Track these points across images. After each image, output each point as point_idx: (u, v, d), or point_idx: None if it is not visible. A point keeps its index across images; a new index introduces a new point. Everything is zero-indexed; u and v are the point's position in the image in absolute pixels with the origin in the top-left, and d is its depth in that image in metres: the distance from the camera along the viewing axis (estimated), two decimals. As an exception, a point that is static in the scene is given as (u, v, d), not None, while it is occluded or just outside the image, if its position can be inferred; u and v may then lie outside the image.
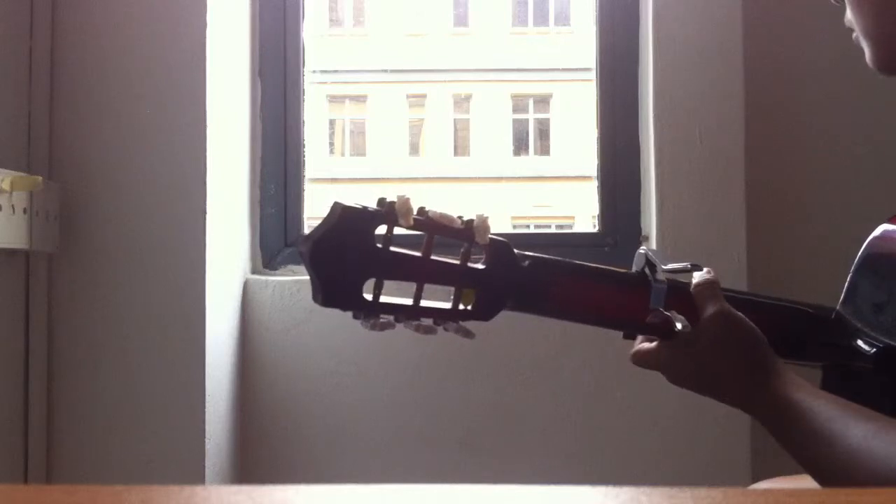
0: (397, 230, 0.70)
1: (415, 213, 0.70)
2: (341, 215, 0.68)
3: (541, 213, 5.09)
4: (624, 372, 1.50)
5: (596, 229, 1.67)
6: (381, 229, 0.69)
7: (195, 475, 1.41)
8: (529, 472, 1.53)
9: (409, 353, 1.54)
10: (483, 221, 0.73)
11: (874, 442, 0.68)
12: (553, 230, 3.99)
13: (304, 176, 1.67)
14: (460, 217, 0.73)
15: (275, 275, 1.61)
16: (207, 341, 1.41)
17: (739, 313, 0.81)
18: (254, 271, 1.62)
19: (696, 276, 0.84)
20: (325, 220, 0.69)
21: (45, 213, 1.36)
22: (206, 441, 1.41)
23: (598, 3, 1.66)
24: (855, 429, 0.70)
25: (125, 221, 1.43)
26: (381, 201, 0.70)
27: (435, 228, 0.71)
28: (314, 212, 1.66)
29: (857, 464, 0.68)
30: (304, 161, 1.67)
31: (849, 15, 0.87)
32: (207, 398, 1.41)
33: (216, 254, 1.45)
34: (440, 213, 0.71)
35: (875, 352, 0.81)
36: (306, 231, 1.65)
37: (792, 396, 0.76)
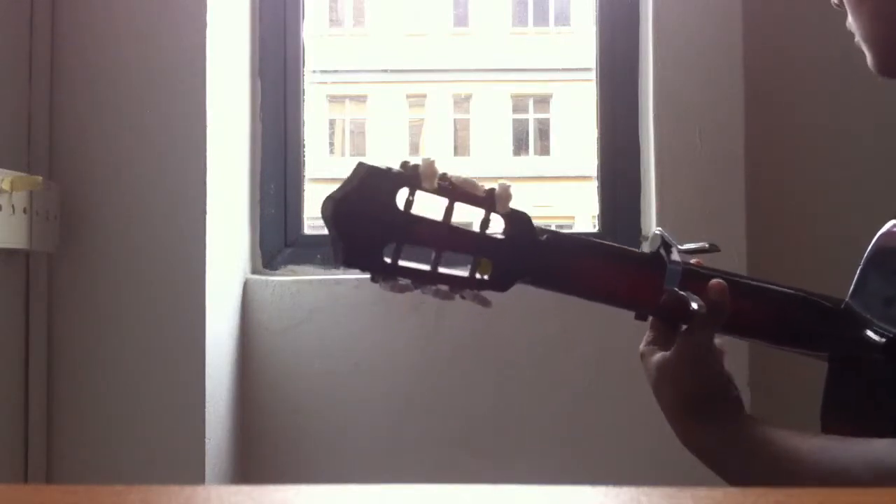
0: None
1: (438, 177, 0.70)
2: (365, 176, 0.68)
3: (541, 213, 5.09)
4: (624, 371, 1.50)
5: (596, 229, 1.67)
6: (404, 192, 0.69)
7: (195, 475, 1.41)
8: (529, 472, 1.52)
9: (410, 352, 1.54)
10: (505, 190, 0.73)
11: (822, 455, 0.70)
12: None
13: (304, 176, 1.67)
14: (482, 185, 0.73)
15: (275, 275, 1.61)
16: (207, 341, 1.41)
17: (706, 351, 0.83)
18: (254, 271, 1.62)
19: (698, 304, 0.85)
20: (348, 179, 0.68)
21: (45, 213, 1.36)
22: (206, 441, 1.41)
23: (598, 3, 1.66)
24: (802, 444, 0.72)
25: (125, 221, 1.43)
26: (405, 164, 0.70)
27: (457, 194, 0.71)
28: (314, 212, 1.66)
29: (806, 477, 0.70)
30: (304, 161, 1.67)
31: (850, 19, 0.88)
32: (207, 398, 1.41)
33: (216, 254, 1.45)
34: (463, 179, 0.71)
35: (886, 342, 0.81)
36: (306, 232, 1.66)
37: (746, 430, 0.81)
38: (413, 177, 0.68)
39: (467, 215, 0.73)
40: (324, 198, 0.69)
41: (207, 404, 1.41)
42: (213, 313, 1.44)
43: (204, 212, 1.41)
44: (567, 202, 4.34)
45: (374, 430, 1.55)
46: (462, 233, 0.72)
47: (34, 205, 1.33)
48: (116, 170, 1.43)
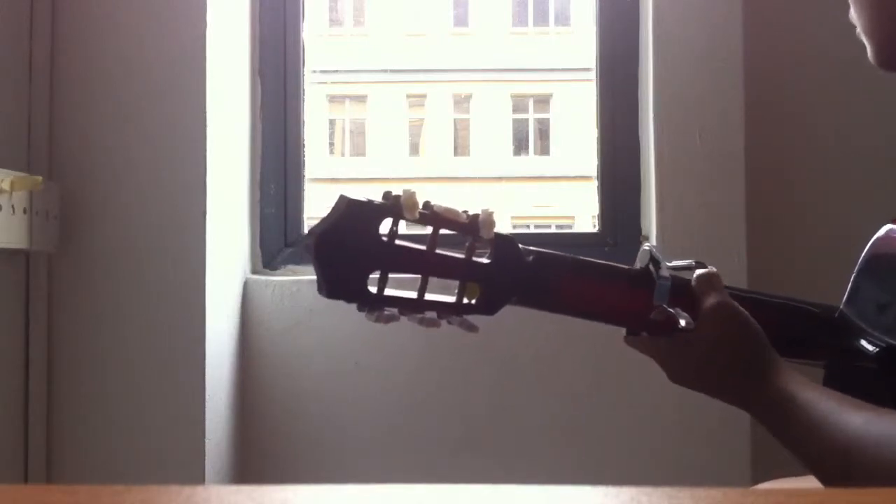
0: (402, 225, 0.70)
1: (420, 206, 0.70)
2: (347, 208, 0.68)
3: (541, 213, 5.09)
4: (624, 372, 1.51)
5: (596, 229, 1.67)
6: (387, 223, 0.69)
7: (195, 475, 1.41)
8: (529, 472, 1.53)
9: (410, 352, 1.54)
10: (488, 216, 0.73)
11: (872, 427, 0.68)
12: (553, 230, 3.98)
13: (304, 176, 1.67)
14: (465, 211, 0.73)
15: (275, 275, 1.61)
16: (207, 341, 1.41)
17: (739, 306, 0.81)
18: (254, 271, 1.62)
19: (699, 271, 0.85)
20: (331, 212, 0.69)
21: (45, 213, 1.36)
22: (206, 441, 1.41)
23: (598, 3, 1.66)
24: (852, 417, 0.70)
25: (125, 221, 1.43)
26: (387, 195, 0.70)
27: (440, 222, 0.71)
28: (314, 212, 1.67)
29: (857, 451, 0.68)
30: (304, 161, 1.67)
31: (852, 12, 0.88)
32: (207, 398, 1.41)
33: (216, 254, 1.45)
34: (445, 207, 0.72)
35: (878, 352, 0.81)
36: (306, 231, 1.66)
37: (789, 389, 0.77)
38: (394, 207, 0.69)
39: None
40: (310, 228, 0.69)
41: (207, 404, 1.41)
42: (213, 313, 1.44)
43: (204, 212, 1.41)
44: (567, 202, 4.34)
45: (374, 429, 1.55)
46: (447, 259, 0.72)
47: (34, 205, 1.33)
48: (116, 170, 1.43)
